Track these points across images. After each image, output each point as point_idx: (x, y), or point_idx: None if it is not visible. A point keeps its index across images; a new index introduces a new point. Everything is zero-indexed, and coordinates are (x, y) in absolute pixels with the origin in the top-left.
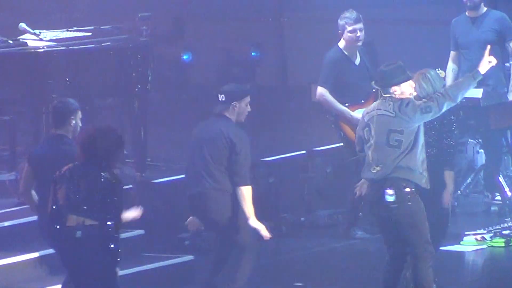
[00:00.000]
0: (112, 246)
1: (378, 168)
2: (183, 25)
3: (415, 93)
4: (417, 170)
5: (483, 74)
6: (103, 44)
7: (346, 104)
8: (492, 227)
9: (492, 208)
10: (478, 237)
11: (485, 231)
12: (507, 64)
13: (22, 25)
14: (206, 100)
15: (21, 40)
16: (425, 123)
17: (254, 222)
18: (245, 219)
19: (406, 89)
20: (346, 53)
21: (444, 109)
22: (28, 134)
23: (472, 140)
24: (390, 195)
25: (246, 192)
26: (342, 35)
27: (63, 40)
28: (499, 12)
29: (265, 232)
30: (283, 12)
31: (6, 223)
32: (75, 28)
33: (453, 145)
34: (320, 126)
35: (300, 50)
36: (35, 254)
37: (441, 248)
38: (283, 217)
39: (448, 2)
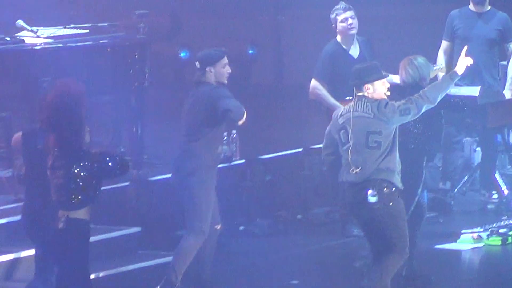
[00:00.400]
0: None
1: (357, 170)
2: (180, 23)
3: (388, 93)
4: (396, 171)
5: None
6: (100, 41)
7: (347, 98)
8: (489, 226)
9: (489, 207)
10: (475, 235)
11: (481, 230)
12: (503, 63)
13: (20, 22)
14: None
15: (18, 37)
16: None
17: None
18: None
19: (379, 88)
20: (343, 46)
21: (423, 111)
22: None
23: (468, 138)
24: (372, 196)
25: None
26: (335, 28)
27: (60, 37)
28: (503, 13)
29: None
30: (280, 10)
31: (4, 220)
32: (72, 25)
33: (438, 136)
34: (316, 124)
35: (296, 48)
36: (33, 251)
37: (437, 246)
38: (280, 215)
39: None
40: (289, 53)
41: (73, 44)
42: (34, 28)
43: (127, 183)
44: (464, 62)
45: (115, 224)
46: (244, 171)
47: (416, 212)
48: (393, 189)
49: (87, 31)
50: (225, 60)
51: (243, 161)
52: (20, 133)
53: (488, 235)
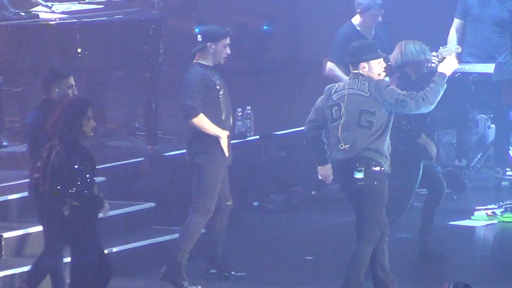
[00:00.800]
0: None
1: (346, 147)
2: None
3: (384, 73)
4: (384, 154)
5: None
6: (115, 17)
7: None
8: (503, 202)
9: (503, 183)
10: (489, 212)
11: (495, 206)
12: None
13: None
14: None
15: (33, 12)
16: None
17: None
18: None
19: (375, 67)
20: (358, 29)
21: (420, 111)
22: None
23: (483, 115)
24: (359, 172)
25: (198, 122)
26: (360, 13)
27: (75, 12)
28: None
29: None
30: None
31: (17, 195)
32: (87, 0)
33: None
34: None
35: (312, 24)
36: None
37: (451, 223)
38: (294, 191)
39: None
40: (304, 29)
41: (88, 20)
42: (49, 3)
43: (141, 159)
44: (453, 65)
45: (130, 199)
46: (259, 147)
47: (435, 188)
48: (380, 168)
49: (102, 6)
50: (227, 40)
51: (257, 137)
52: None
53: (502, 212)
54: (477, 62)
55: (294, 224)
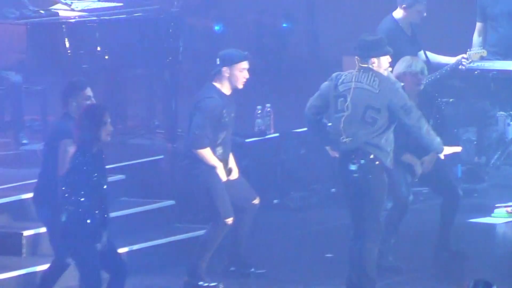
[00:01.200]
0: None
1: (347, 140)
2: None
3: (390, 69)
4: (385, 149)
5: None
6: (134, 14)
7: None
8: None
9: None
10: (509, 209)
11: None
12: None
13: None
14: None
15: (52, 10)
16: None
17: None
18: None
19: (384, 63)
20: (400, 24)
21: (414, 128)
22: (59, 104)
23: (503, 113)
24: (353, 164)
25: (203, 154)
26: (405, 8)
27: (95, 10)
28: None
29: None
30: None
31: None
32: None
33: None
34: None
35: (331, 22)
36: None
37: (471, 220)
38: (314, 188)
39: None
40: (324, 27)
41: (107, 18)
42: (69, 1)
43: (161, 156)
44: (452, 149)
45: (150, 197)
46: (278, 145)
47: (449, 195)
48: (377, 162)
49: (121, 4)
50: (244, 64)
51: (277, 134)
52: None
53: None
54: (498, 59)
55: (314, 222)
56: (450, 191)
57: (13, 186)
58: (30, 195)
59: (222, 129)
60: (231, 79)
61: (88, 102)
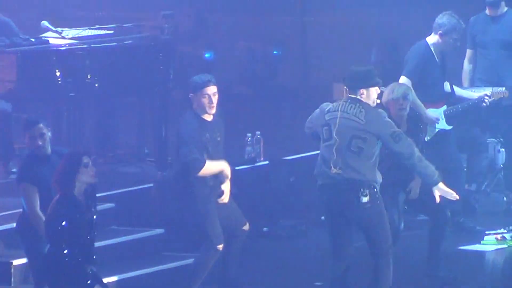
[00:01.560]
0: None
1: (337, 171)
2: (206, 23)
3: (378, 101)
4: (376, 180)
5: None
6: (125, 42)
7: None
8: None
9: None
10: (499, 236)
11: (505, 231)
12: None
13: (45, 23)
14: (227, 98)
15: (43, 38)
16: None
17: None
18: None
19: (373, 94)
20: (432, 50)
21: (404, 154)
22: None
23: (493, 139)
24: (365, 196)
25: (204, 171)
26: (441, 35)
27: (85, 38)
28: None
29: None
30: (306, 10)
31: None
32: (97, 26)
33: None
34: None
35: (322, 50)
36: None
37: (461, 247)
38: (304, 216)
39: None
40: (315, 55)
41: (98, 45)
42: (59, 29)
43: (151, 185)
44: (447, 193)
45: (139, 225)
46: (268, 172)
47: (435, 216)
48: (375, 189)
49: (112, 31)
50: (209, 90)
51: (267, 162)
52: None
53: (511, 236)
54: (487, 86)
55: (304, 250)
56: (438, 213)
57: (3, 215)
58: None
59: (206, 152)
60: (198, 105)
61: (40, 141)
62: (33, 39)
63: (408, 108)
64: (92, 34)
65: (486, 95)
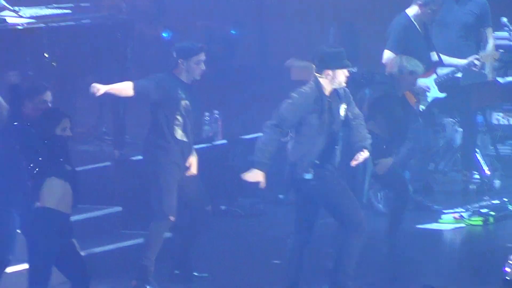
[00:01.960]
0: None
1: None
2: (163, 3)
3: (344, 85)
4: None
5: None
6: (82, 21)
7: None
8: (470, 206)
9: (470, 187)
10: (456, 215)
11: (463, 210)
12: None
13: (1, 1)
14: None
15: (0, 17)
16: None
17: None
18: None
19: (339, 77)
20: (413, 21)
21: None
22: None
23: (450, 119)
24: (307, 173)
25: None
26: (421, 6)
27: (43, 17)
28: None
29: None
30: None
31: None
32: (54, 5)
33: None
34: None
35: (280, 29)
36: None
37: (419, 226)
38: (262, 195)
39: None
40: (273, 34)
41: (56, 24)
42: (16, 8)
43: (108, 163)
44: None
45: (97, 203)
46: (226, 151)
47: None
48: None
49: (70, 11)
50: (201, 56)
51: (225, 141)
52: None
53: (469, 215)
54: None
55: (261, 228)
56: (401, 186)
57: None
58: None
59: (180, 113)
60: (188, 71)
61: (44, 106)
62: None
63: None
64: (50, 13)
65: (476, 58)
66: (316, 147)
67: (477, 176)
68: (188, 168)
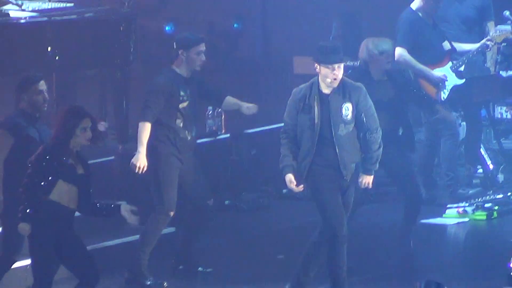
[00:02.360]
0: None
1: None
2: None
3: (328, 81)
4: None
5: None
6: (85, 15)
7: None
8: (474, 200)
9: (474, 181)
10: (460, 210)
11: (467, 204)
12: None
13: None
14: None
15: (3, 10)
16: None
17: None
18: None
19: (323, 72)
20: (420, 14)
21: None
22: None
23: (454, 113)
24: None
25: (140, 127)
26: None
27: (46, 11)
28: None
29: None
30: None
31: None
32: None
33: None
34: None
35: (283, 23)
36: None
37: (422, 221)
38: (265, 189)
39: None
40: (275, 28)
41: (59, 18)
42: (19, 1)
43: (112, 157)
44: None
45: (100, 198)
46: (230, 145)
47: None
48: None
49: (72, 4)
50: (201, 47)
51: (228, 135)
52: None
53: (473, 210)
54: None
55: (265, 223)
56: (413, 190)
57: None
58: None
59: (180, 105)
60: (188, 62)
61: (40, 96)
62: None
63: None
64: (53, 6)
65: (488, 39)
66: (307, 147)
67: (480, 170)
68: (187, 162)
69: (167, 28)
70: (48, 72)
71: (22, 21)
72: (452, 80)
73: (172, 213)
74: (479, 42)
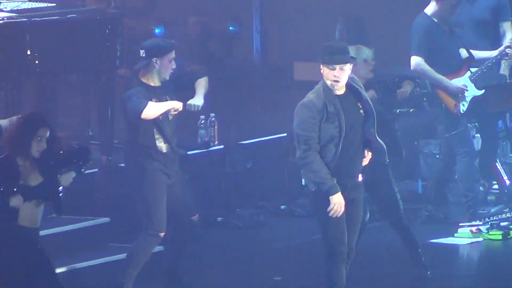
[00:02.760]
0: None
1: None
2: None
3: (329, 82)
4: None
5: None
6: (68, 16)
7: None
8: (489, 218)
9: (489, 198)
10: (474, 229)
11: (481, 223)
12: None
13: None
14: None
15: None
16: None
17: None
18: None
19: (325, 72)
20: (435, 19)
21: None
22: None
23: (468, 124)
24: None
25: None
26: (437, 1)
27: (25, 11)
28: None
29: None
30: None
31: None
32: None
33: None
34: None
35: (282, 26)
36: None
37: (433, 240)
38: (262, 205)
39: None
40: (274, 31)
41: (39, 19)
42: None
43: (96, 170)
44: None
45: (83, 214)
46: (223, 158)
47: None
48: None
49: (54, 4)
50: (173, 54)
51: (222, 146)
52: None
53: (488, 229)
54: None
55: (262, 241)
56: (393, 207)
57: None
58: None
59: (157, 121)
60: (160, 71)
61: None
62: None
63: None
64: (33, 6)
65: (507, 46)
66: (329, 159)
67: (496, 186)
68: (174, 176)
69: (157, 30)
70: (27, 77)
71: (0, 21)
72: (472, 91)
73: (162, 234)
74: (493, 46)
